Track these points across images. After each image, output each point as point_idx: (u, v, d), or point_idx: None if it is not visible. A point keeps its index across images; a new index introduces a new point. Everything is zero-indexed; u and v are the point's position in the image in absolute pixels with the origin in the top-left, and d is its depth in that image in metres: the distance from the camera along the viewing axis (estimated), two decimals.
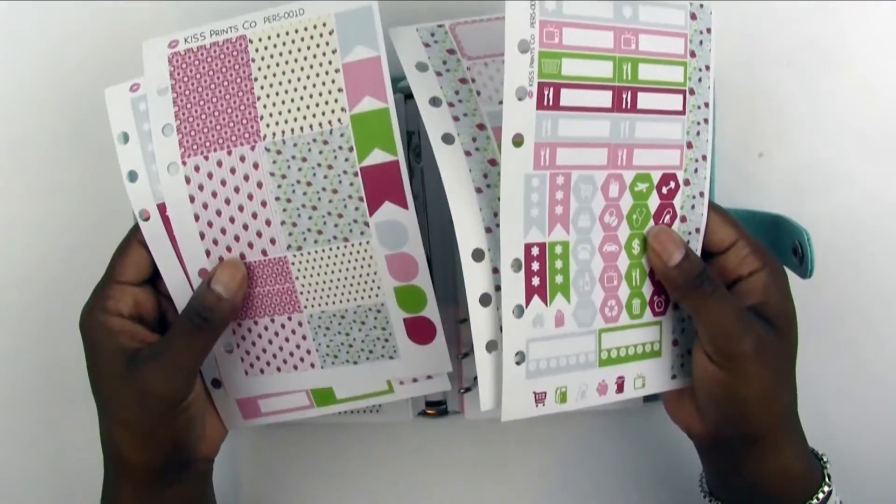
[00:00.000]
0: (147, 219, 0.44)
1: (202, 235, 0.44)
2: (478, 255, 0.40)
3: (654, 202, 0.43)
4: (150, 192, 0.44)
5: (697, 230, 0.44)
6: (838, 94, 0.54)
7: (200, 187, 0.44)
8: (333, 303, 0.44)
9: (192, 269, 0.44)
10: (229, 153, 0.43)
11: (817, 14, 0.53)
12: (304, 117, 0.43)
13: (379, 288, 0.44)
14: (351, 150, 0.43)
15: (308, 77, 0.43)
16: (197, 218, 0.44)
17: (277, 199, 0.43)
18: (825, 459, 0.45)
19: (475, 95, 0.42)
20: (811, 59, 0.54)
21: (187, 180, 0.44)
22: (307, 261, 0.44)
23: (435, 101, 0.41)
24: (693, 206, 0.44)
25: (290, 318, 0.45)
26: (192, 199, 0.44)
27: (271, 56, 0.43)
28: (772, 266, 0.43)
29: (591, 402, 0.43)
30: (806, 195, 0.52)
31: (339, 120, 0.42)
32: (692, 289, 0.41)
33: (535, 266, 0.41)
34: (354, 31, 0.42)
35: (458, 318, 0.51)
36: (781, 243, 0.47)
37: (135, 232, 0.44)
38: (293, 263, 0.44)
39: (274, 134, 0.43)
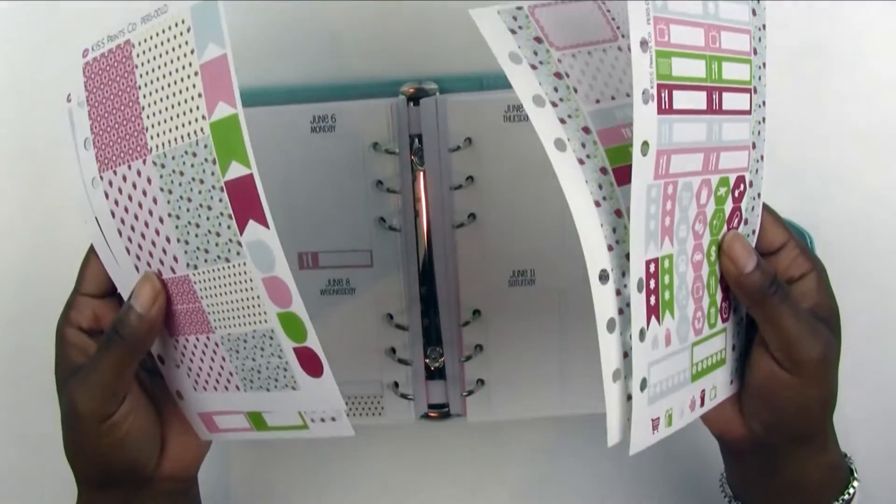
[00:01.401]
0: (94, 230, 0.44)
1: (127, 250, 0.43)
2: (604, 277, 0.36)
3: (728, 206, 0.41)
4: (88, 204, 0.44)
5: (754, 231, 0.43)
6: (841, 97, 0.54)
7: (116, 202, 0.42)
8: (235, 325, 0.41)
9: (130, 283, 0.43)
10: (129, 167, 0.41)
11: (821, 17, 0.53)
12: (177, 127, 0.39)
13: (265, 313, 0.39)
14: (214, 162, 0.38)
15: (175, 83, 0.39)
16: (120, 233, 0.43)
17: (170, 215, 0.40)
18: (849, 455, 0.46)
19: (573, 93, 0.38)
20: (814, 62, 0.54)
21: (105, 195, 0.43)
22: (205, 280, 0.41)
23: (538, 101, 0.36)
24: (753, 208, 0.43)
25: (208, 338, 0.42)
26: (112, 214, 0.43)
27: (150, 60, 0.40)
28: (819, 267, 0.43)
29: (686, 420, 0.41)
30: (809, 198, 0.54)
31: (201, 129, 0.38)
32: (766, 297, 0.40)
33: (652, 284, 0.37)
34: (206, 25, 0.37)
35: (460, 322, 0.51)
36: None
37: None
38: (196, 283, 0.41)
39: (158, 146, 0.40)
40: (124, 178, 0.42)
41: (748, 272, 0.40)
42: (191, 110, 0.38)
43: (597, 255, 0.35)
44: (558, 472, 0.56)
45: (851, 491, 0.44)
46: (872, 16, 0.53)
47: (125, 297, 0.44)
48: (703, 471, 0.53)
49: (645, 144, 0.35)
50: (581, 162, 0.36)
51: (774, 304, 0.40)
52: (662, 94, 0.35)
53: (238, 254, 0.39)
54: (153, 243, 0.42)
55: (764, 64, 0.41)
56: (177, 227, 0.40)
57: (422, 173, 0.50)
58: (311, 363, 0.39)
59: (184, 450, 0.46)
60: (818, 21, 0.53)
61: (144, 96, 0.40)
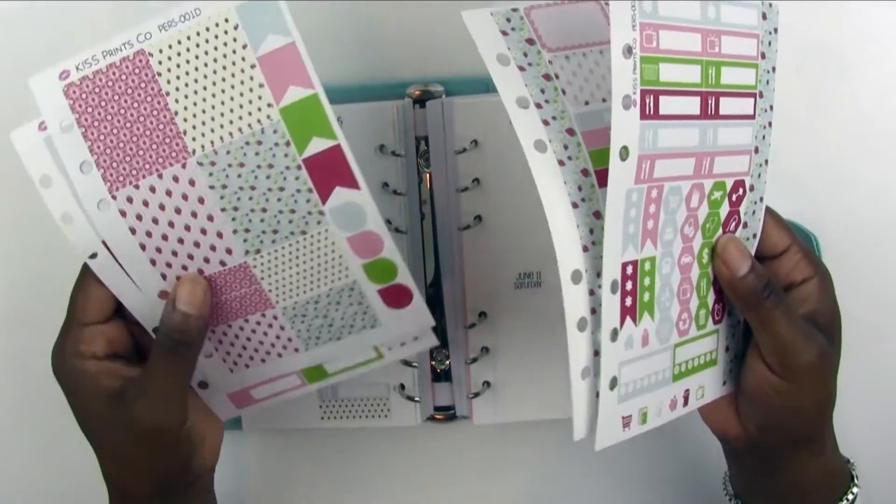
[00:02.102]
0: (94, 256, 0.41)
1: (153, 262, 0.42)
2: (576, 277, 0.36)
3: (724, 210, 0.41)
4: (91, 231, 0.41)
5: (755, 235, 0.43)
6: (845, 99, 0.54)
7: (139, 217, 0.41)
8: (304, 292, 0.43)
9: (152, 295, 0.42)
10: (160, 176, 0.41)
11: (824, 19, 0.53)
12: (231, 122, 0.40)
13: (347, 269, 0.42)
14: (288, 144, 0.40)
15: (224, 79, 0.40)
16: (143, 247, 0.41)
17: (223, 209, 0.41)
18: (851, 460, 0.46)
19: (561, 95, 0.38)
20: (818, 64, 0.54)
21: (122, 213, 0.41)
22: (269, 261, 0.42)
23: (522, 102, 0.37)
24: (754, 212, 0.42)
25: (263, 315, 0.43)
26: (133, 231, 0.41)
27: (178, 66, 0.40)
28: (822, 273, 0.43)
29: (665, 419, 0.41)
30: (813, 200, 0.53)
31: (268, 117, 0.40)
32: (759, 301, 0.40)
33: (629, 286, 0.38)
34: (261, 20, 0.39)
35: (466, 324, 0.51)
36: None
37: (88, 269, 0.42)
38: (255, 266, 0.42)
39: (203, 146, 0.41)
40: (152, 189, 0.41)
41: (741, 276, 0.40)
42: (249, 101, 0.40)
43: (569, 255, 0.36)
44: (565, 475, 0.56)
45: (851, 497, 0.44)
46: (879, 17, 0.53)
47: (137, 314, 0.43)
48: (709, 473, 0.54)
49: (624, 149, 0.35)
50: (561, 163, 0.36)
51: (767, 308, 0.40)
52: (647, 100, 0.35)
53: (318, 223, 0.41)
54: (196, 244, 0.42)
55: (773, 68, 0.41)
56: (233, 219, 0.41)
57: (428, 175, 0.50)
58: (398, 297, 0.43)
59: (213, 438, 0.45)
60: (824, 22, 0.53)
61: (177, 101, 0.41)
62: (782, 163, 0.52)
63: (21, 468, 0.55)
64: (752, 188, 0.42)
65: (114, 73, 0.41)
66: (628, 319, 0.38)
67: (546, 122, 0.37)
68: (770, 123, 0.42)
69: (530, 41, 0.39)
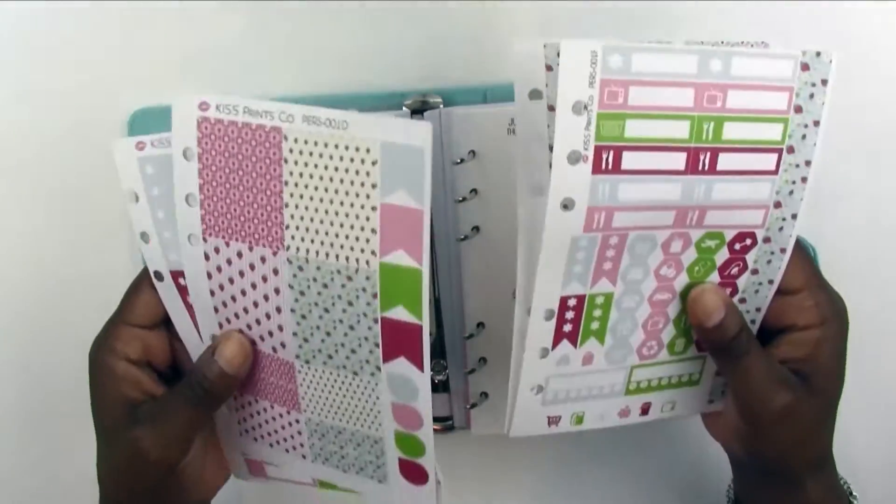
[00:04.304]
0: (161, 280, 0.42)
1: (216, 310, 0.41)
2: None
3: (722, 256, 0.41)
4: (162, 257, 0.41)
5: (770, 282, 0.42)
6: (843, 108, 0.49)
7: (219, 269, 0.40)
8: (332, 418, 0.42)
9: (205, 334, 0.42)
10: (251, 249, 0.39)
11: (822, 25, 0.51)
12: (332, 245, 0.38)
13: (381, 425, 0.41)
14: (375, 296, 0.38)
15: (342, 204, 0.37)
16: (213, 293, 0.41)
17: (293, 311, 0.40)
18: (854, 495, 0.45)
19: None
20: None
21: (206, 257, 0.40)
22: (313, 376, 0.41)
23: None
24: (769, 262, 0.41)
25: (288, 413, 0.43)
26: (209, 276, 0.41)
27: (305, 164, 0.37)
28: (833, 323, 0.42)
29: (610, 423, 0.44)
30: (812, 210, 0.50)
31: (367, 262, 0.37)
32: (724, 350, 0.41)
33: (570, 315, 0.40)
34: (400, 170, 0.35)
35: (464, 335, 0.51)
36: None
37: (147, 272, 0.42)
38: (300, 371, 0.41)
39: (298, 249, 0.38)
40: (239, 255, 0.40)
41: (708, 327, 0.41)
42: (356, 238, 0.37)
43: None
44: (563, 484, 0.56)
45: None
46: (877, 23, 0.52)
47: (184, 338, 0.43)
48: (713, 481, 0.54)
49: (568, 201, 0.36)
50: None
51: (733, 358, 0.41)
52: (604, 155, 0.35)
53: (372, 375, 0.40)
54: (257, 321, 0.41)
55: (816, 122, 0.39)
56: (298, 323, 0.40)
57: None
58: (415, 474, 0.42)
59: (211, 478, 0.46)
60: (821, 29, 0.52)
61: (291, 195, 0.38)
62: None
63: (19, 469, 0.56)
64: (767, 240, 0.41)
65: (246, 134, 0.38)
66: (566, 342, 0.40)
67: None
68: (804, 179, 0.40)
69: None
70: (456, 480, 0.53)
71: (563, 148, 0.35)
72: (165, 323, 0.43)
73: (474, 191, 0.48)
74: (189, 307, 0.42)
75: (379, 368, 0.39)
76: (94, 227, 0.52)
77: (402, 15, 0.50)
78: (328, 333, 0.40)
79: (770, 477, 0.43)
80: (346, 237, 0.37)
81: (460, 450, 0.54)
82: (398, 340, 0.38)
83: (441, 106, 0.47)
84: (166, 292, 0.42)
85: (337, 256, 0.38)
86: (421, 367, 0.38)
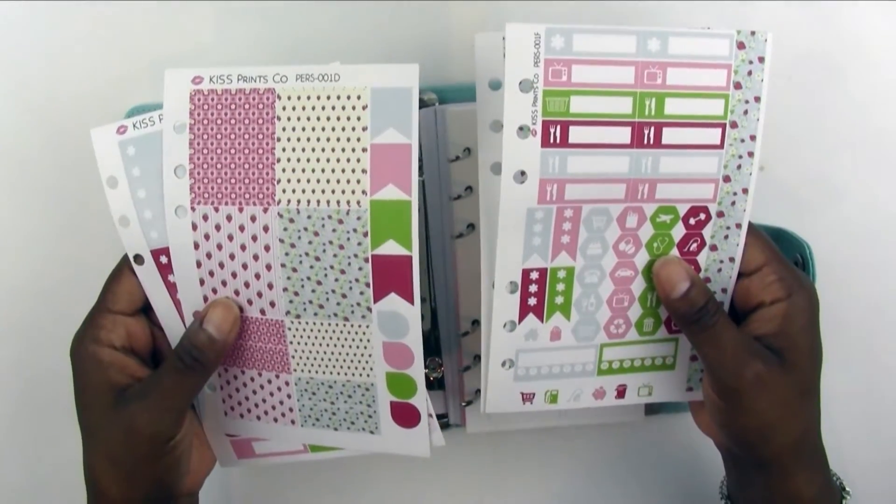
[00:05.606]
0: (141, 263, 0.43)
1: (202, 282, 0.43)
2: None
3: (678, 232, 0.42)
4: (142, 238, 0.43)
5: (731, 259, 0.43)
6: (838, 107, 0.53)
7: (206, 237, 0.42)
8: (323, 372, 0.44)
9: (187, 311, 0.43)
10: (241, 210, 0.42)
11: (817, 28, 0.53)
12: (323, 191, 0.41)
13: (371, 370, 0.43)
14: (365, 235, 0.41)
15: (333, 150, 0.41)
16: (199, 265, 0.43)
17: (283, 265, 0.42)
18: (847, 490, 0.45)
19: None
20: (811, 72, 0.53)
21: (194, 226, 0.42)
22: (304, 329, 0.43)
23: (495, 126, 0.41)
24: (727, 237, 0.43)
25: (277, 377, 0.44)
26: (196, 246, 0.42)
27: (298, 118, 0.41)
28: (799, 296, 0.42)
29: (585, 404, 0.45)
30: (807, 208, 0.52)
31: (357, 202, 0.41)
32: (692, 321, 0.41)
33: (533, 288, 0.42)
34: (389, 110, 0.40)
35: (460, 333, 0.51)
36: None
37: (127, 259, 0.43)
38: (289, 329, 0.43)
39: (289, 201, 0.41)
40: (228, 218, 0.42)
41: (674, 298, 0.41)
42: (347, 181, 0.41)
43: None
44: (557, 482, 0.56)
45: None
46: (871, 25, 0.53)
47: (164, 321, 0.44)
48: (706, 479, 0.55)
49: (521, 173, 0.39)
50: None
51: (701, 329, 0.41)
52: (552, 130, 0.38)
53: (363, 317, 0.42)
54: (245, 284, 0.43)
55: (757, 98, 0.41)
56: (289, 277, 0.42)
57: (421, 183, 0.49)
58: (406, 416, 0.44)
59: (200, 464, 0.46)
60: (816, 30, 0.53)
61: (284, 150, 0.41)
62: (774, 171, 0.53)
63: (14, 472, 0.56)
64: (720, 214, 0.42)
65: (240, 99, 0.41)
66: (532, 316, 0.42)
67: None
68: (750, 153, 0.41)
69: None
70: (451, 477, 0.56)
71: (513, 122, 0.38)
72: (145, 311, 0.44)
73: (470, 188, 0.49)
74: (171, 287, 0.43)
75: (370, 309, 0.42)
76: (90, 224, 0.53)
77: (396, 13, 0.51)
78: (319, 282, 0.42)
79: (759, 469, 0.43)
80: (338, 181, 0.41)
81: (455, 447, 0.54)
82: (389, 276, 0.41)
83: (436, 103, 0.48)
84: (147, 275, 0.43)
85: (328, 202, 0.41)
86: (412, 301, 0.41)
